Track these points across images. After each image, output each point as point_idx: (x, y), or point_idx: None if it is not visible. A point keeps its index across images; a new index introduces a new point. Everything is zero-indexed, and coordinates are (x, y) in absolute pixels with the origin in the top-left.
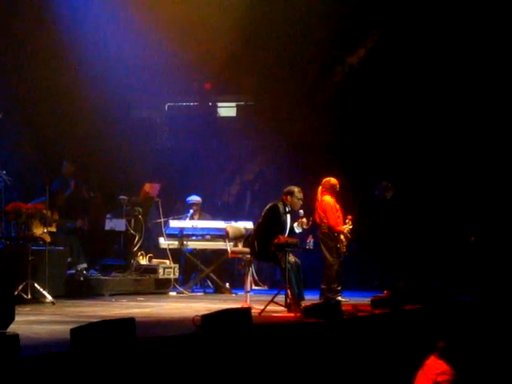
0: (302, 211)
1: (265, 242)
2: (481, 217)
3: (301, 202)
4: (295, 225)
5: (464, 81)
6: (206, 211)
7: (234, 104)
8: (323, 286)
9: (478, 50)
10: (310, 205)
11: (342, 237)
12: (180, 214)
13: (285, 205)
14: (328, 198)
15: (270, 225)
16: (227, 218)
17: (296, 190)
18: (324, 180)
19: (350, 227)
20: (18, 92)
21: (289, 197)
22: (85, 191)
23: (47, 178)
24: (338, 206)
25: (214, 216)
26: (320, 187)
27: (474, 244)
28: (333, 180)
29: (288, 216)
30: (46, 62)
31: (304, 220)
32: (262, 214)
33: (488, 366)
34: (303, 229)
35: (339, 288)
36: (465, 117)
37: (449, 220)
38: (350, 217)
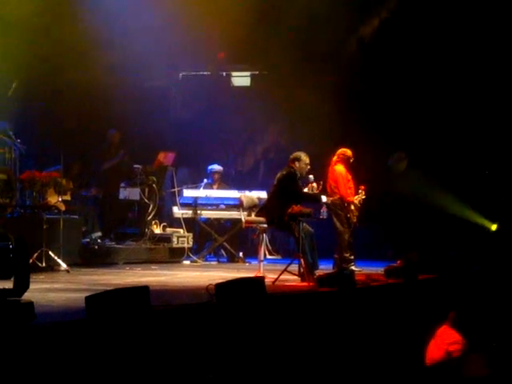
0: (311, 176)
1: (284, 210)
2: (496, 186)
3: (308, 167)
4: (305, 190)
5: (483, 51)
6: (223, 181)
7: (248, 73)
8: (336, 256)
9: (499, 20)
10: (323, 174)
11: (352, 207)
12: (194, 183)
13: (295, 171)
14: (340, 168)
15: (289, 191)
16: (241, 187)
17: (303, 155)
18: (340, 150)
19: (363, 197)
20: (32, 62)
21: (296, 163)
22: (130, 161)
23: (62, 146)
24: (349, 177)
25: (229, 185)
26: (335, 157)
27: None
28: (349, 152)
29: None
30: (59, 30)
31: (314, 185)
32: (275, 182)
33: (500, 336)
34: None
35: (352, 257)
36: (484, 87)
37: (464, 189)
38: (362, 187)
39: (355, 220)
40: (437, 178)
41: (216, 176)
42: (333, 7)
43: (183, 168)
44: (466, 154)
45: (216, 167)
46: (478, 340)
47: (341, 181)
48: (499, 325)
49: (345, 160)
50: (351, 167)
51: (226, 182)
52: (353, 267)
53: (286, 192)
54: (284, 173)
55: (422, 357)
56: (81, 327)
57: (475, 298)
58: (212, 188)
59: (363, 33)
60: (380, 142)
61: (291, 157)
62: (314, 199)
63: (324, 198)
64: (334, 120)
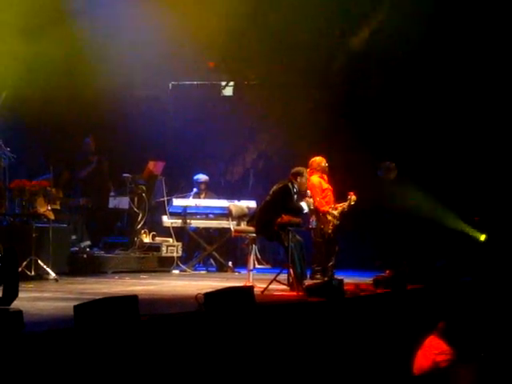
0: (309, 191)
1: (273, 220)
2: (484, 197)
3: (307, 183)
4: (302, 203)
5: (469, 62)
6: (210, 190)
7: (233, 83)
8: (324, 266)
9: (482, 37)
10: None
11: (329, 217)
12: (184, 192)
13: (293, 186)
14: (314, 179)
15: (281, 204)
16: (230, 196)
17: (305, 170)
18: (310, 161)
19: (352, 203)
20: (21, 72)
21: (298, 177)
22: (106, 168)
23: (51, 155)
24: (326, 186)
25: (218, 195)
26: (308, 168)
27: (478, 223)
28: (318, 158)
29: (295, 197)
30: (47, 39)
31: (311, 200)
32: (271, 192)
33: (487, 346)
34: (309, 208)
35: (318, 268)
36: (471, 98)
37: (452, 200)
38: (351, 193)
39: (330, 231)
40: (425, 188)
41: (202, 186)
42: (322, 18)
43: (166, 178)
44: (455, 164)
45: (202, 177)
46: (465, 350)
47: (314, 192)
48: (487, 335)
49: (318, 169)
50: (329, 173)
51: (212, 191)
52: (317, 275)
53: (279, 205)
54: (280, 186)
55: (409, 366)
56: (69, 336)
57: (464, 309)
58: (199, 197)
59: (352, 43)
60: (369, 152)
61: (293, 171)
62: (299, 211)
63: (305, 207)
64: (323, 130)
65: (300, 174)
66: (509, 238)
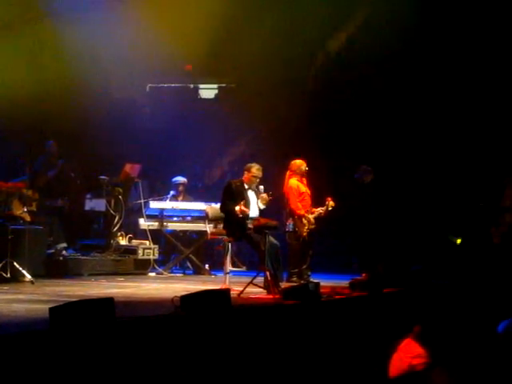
0: (262, 187)
1: (228, 220)
2: (460, 202)
3: (256, 180)
4: (258, 201)
5: (448, 69)
6: (187, 193)
7: (215, 86)
8: (299, 268)
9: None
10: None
11: (304, 221)
12: (160, 195)
13: (242, 182)
14: (292, 182)
15: (224, 201)
16: (208, 199)
17: (254, 167)
18: (291, 163)
19: (330, 209)
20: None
21: (246, 173)
22: (69, 171)
23: (28, 157)
24: (304, 189)
25: (195, 198)
26: (288, 171)
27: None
28: (298, 161)
29: (249, 192)
30: (24, 41)
31: (264, 195)
32: None
33: (463, 350)
34: (266, 204)
35: (295, 270)
36: (448, 101)
37: (428, 203)
38: (329, 198)
39: (305, 234)
40: (402, 192)
41: (180, 187)
42: (300, 21)
43: (143, 181)
44: (432, 167)
45: (180, 179)
46: (441, 354)
47: (291, 194)
48: (463, 339)
49: (297, 172)
50: (308, 177)
51: (190, 193)
52: (293, 278)
53: (222, 203)
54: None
55: (385, 370)
56: (44, 338)
57: (440, 312)
58: (177, 200)
59: (330, 47)
60: (347, 156)
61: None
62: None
63: (261, 205)
64: (301, 133)
65: (248, 170)
66: (484, 241)
